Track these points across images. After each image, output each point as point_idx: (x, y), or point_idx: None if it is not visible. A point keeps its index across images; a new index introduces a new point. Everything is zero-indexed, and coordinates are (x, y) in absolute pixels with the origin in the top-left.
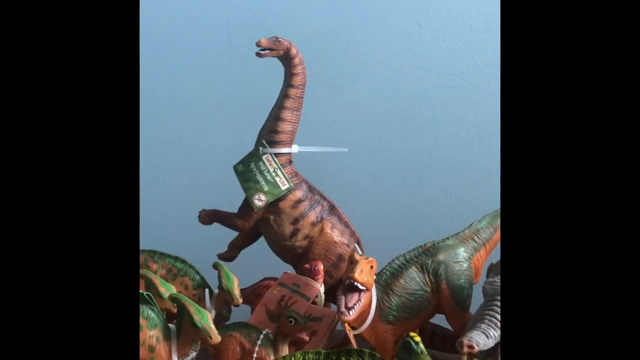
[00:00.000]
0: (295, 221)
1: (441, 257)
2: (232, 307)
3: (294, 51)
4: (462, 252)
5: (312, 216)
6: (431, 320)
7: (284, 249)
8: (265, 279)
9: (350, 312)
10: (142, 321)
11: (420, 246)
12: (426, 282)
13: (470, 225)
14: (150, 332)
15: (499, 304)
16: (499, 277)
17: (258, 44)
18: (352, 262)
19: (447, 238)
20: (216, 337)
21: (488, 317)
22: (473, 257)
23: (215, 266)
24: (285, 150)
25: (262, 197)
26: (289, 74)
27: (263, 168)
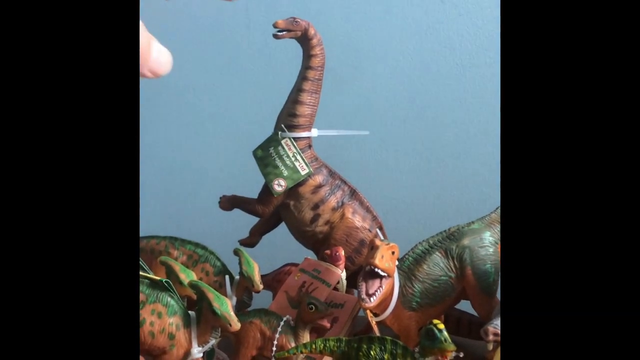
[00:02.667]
0: (316, 206)
1: (466, 241)
2: (254, 293)
3: (312, 32)
4: (488, 237)
5: (333, 201)
6: (458, 307)
7: (304, 235)
8: (286, 264)
9: (371, 299)
10: (161, 308)
11: (445, 231)
12: (450, 267)
13: (497, 208)
14: (170, 319)
15: None
16: None
17: (275, 25)
18: (373, 248)
19: (473, 222)
20: (235, 325)
21: None
22: (499, 241)
23: (236, 252)
24: (304, 134)
25: (282, 182)
26: (307, 56)
27: (282, 153)
